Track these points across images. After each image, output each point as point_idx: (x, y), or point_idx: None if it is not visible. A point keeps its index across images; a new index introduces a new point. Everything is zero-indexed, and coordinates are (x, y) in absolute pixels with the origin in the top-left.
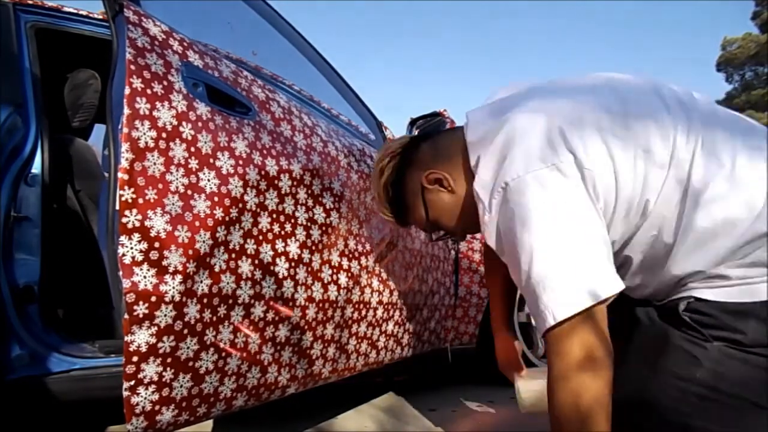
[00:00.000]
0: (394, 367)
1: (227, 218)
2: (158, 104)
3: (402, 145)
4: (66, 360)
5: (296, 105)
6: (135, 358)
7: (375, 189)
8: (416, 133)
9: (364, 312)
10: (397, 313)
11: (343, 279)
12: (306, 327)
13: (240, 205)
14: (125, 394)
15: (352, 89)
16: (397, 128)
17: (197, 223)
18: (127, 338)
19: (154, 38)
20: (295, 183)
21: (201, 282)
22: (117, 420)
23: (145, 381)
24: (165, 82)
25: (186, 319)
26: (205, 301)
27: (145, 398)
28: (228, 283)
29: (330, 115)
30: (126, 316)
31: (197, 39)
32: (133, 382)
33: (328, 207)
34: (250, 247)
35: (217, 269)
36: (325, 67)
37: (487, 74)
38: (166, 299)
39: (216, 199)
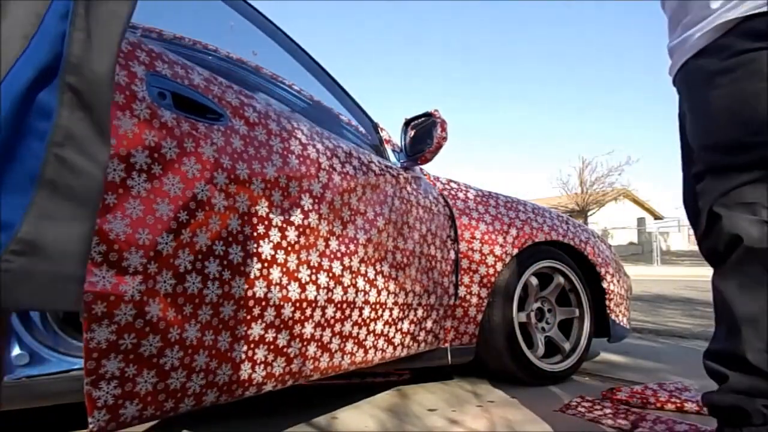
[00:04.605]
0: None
1: (192, 221)
2: (119, 113)
3: None
4: (66, 360)
5: (275, 109)
6: (95, 355)
7: None
8: (412, 134)
9: (348, 311)
10: (387, 312)
11: (323, 279)
12: (282, 326)
13: (207, 208)
14: (86, 388)
15: (348, 93)
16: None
17: (159, 226)
18: (87, 335)
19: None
20: (268, 186)
21: (164, 282)
22: None
23: (107, 376)
24: (127, 92)
25: (147, 317)
26: (168, 300)
27: (107, 393)
28: (194, 284)
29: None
30: (84, 314)
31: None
32: (93, 377)
33: (306, 209)
34: (219, 248)
35: (182, 270)
36: (320, 73)
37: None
38: (126, 298)
39: (180, 202)
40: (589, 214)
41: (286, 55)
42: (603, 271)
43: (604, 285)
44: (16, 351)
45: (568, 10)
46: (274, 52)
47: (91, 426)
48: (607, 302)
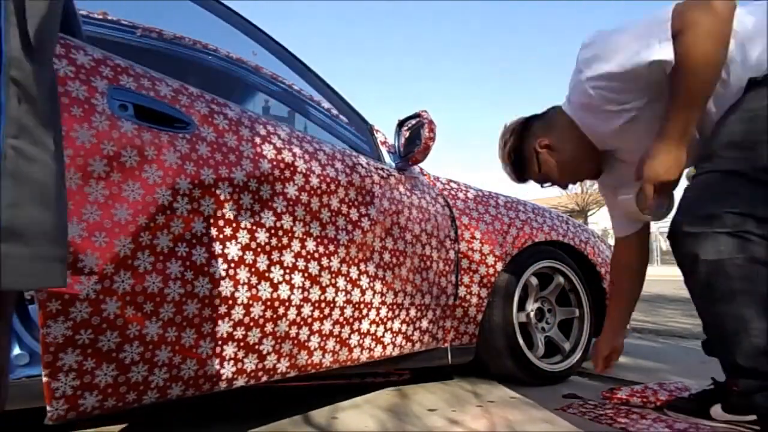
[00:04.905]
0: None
1: (152, 224)
2: (76, 126)
3: (519, 123)
4: None
5: (250, 116)
6: (52, 348)
7: (500, 156)
8: (407, 135)
9: (327, 310)
10: (374, 312)
11: (298, 279)
12: (252, 324)
13: (168, 212)
14: (45, 379)
15: (342, 97)
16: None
17: (117, 230)
18: (43, 330)
19: (81, 67)
20: (237, 189)
21: (122, 282)
22: (115, 420)
23: (65, 369)
24: (86, 106)
25: (104, 314)
26: (127, 299)
27: (66, 384)
28: (154, 283)
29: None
30: (40, 311)
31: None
32: (51, 370)
33: (279, 211)
34: (181, 249)
35: (141, 270)
36: (312, 78)
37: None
38: (81, 297)
39: (140, 207)
40: (589, 214)
41: (276, 60)
42: (603, 271)
43: (604, 285)
44: (16, 351)
45: (569, 9)
46: (265, 57)
47: (49, 414)
48: (607, 302)
